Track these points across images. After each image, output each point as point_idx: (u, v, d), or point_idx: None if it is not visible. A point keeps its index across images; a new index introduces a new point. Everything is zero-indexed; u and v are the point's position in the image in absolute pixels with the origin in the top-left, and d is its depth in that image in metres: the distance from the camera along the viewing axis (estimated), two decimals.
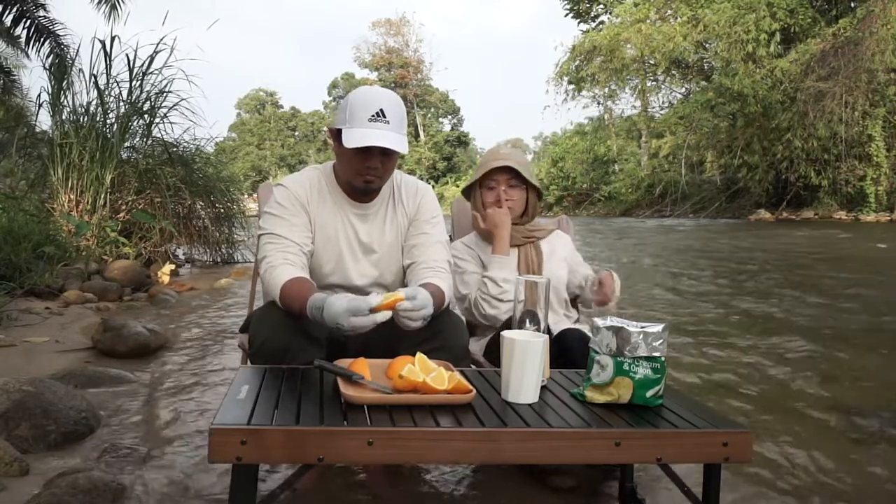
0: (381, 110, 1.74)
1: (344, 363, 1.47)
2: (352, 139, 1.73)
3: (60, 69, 7.18)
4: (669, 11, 25.18)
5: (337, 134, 1.80)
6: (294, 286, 1.68)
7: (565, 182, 33.17)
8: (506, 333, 1.40)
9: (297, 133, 56.61)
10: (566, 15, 32.72)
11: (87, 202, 6.61)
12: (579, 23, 32.53)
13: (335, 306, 1.50)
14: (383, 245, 1.94)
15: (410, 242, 1.94)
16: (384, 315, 1.48)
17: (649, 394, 1.36)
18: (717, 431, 1.27)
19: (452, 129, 51.69)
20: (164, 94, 7.48)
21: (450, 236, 2.47)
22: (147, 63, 7.30)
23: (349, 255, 1.92)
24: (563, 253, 2.29)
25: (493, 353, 1.83)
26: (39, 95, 7.25)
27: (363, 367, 1.45)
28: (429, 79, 51.34)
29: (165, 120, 7.64)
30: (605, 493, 1.88)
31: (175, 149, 7.75)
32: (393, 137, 1.75)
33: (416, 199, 1.96)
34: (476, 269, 2.22)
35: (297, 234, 1.83)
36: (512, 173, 2.19)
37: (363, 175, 1.81)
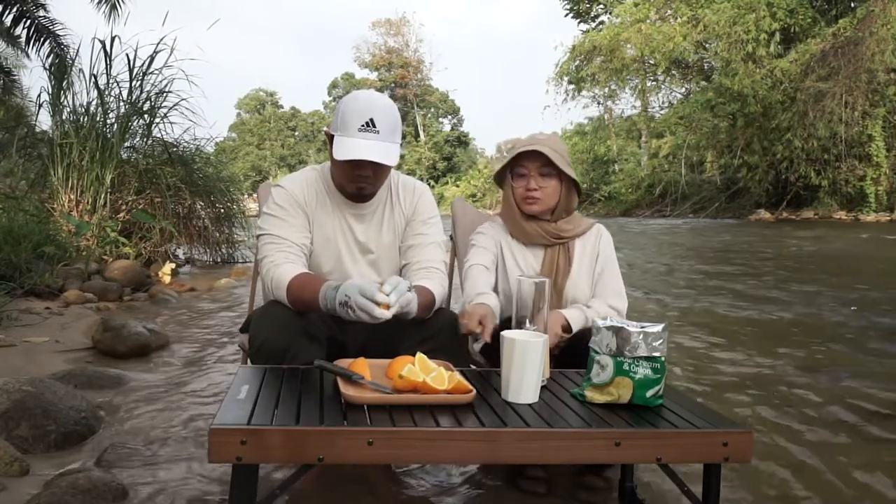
0: (371, 120, 1.73)
1: (344, 363, 1.47)
2: (340, 151, 1.73)
3: (60, 69, 7.17)
4: (669, 11, 25.16)
5: (332, 139, 1.80)
6: (304, 278, 1.70)
7: None
8: (506, 333, 1.40)
9: (297, 133, 56.60)
10: (566, 15, 32.74)
11: (87, 202, 6.61)
12: (579, 23, 32.54)
13: (352, 281, 1.55)
14: (380, 245, 1.94)
15: (407, 243, 1.94)
16: (381, 311, 1.49)
17: (649, 394, 1.36)
18: (717, 431, 1.27)
19: (452, 129, 51.67)
20: (164, 94, 7.49)
21: (450, 236, 2.47)
22: (147, 63, 7.30)
23: (347, 255, 1.92)
24: (592, 261, 2.07)
25: (491, 353, 1.81)
26: (39, 95, 7.27)
27: (363, 367, 1.45)
28: (429, 79, 51.35)
29: (165, 120, 7.65)
30: (605, 493, 1.87)
31: (175, 149, 7.75)
32: (381, 149, 1.74)
33: (414, 200, 1.96)
34: (493, 249, 2.06)
35: (297, 234, 1.84)
36: (544, 160, 1.96)
37: (355, 182, 1.82)
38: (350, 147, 1.73)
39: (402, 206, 1.96)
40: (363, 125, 1.73)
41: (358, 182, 1.81)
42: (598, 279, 2.04)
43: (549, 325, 1.67)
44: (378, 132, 1.74)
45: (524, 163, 1.99)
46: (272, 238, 1.82)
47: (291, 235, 1.83)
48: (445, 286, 1.92)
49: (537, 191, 1.98)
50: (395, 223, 1.95)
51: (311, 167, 1.98)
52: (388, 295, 1.50)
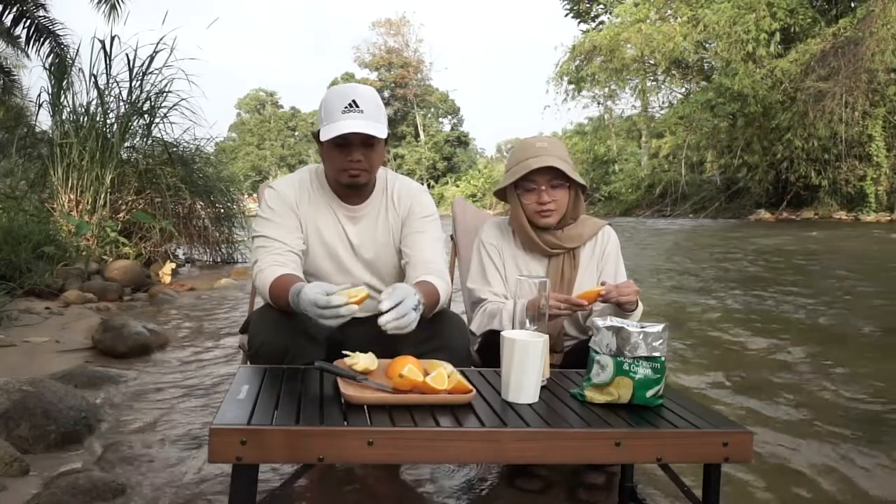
0: (354, 101, 1.75)
1: (343, 364, 1.46)
2: (328, 132, 1.74)
3: (60, 69, 7.18)
4: (669, 11, 25.12)
5: (318, 136, 1.80)
6: (279, 283, 1.69)
7: None
8: (506, 333, 1.40)
9: (297, 133, 56.60)
10: (566, 15, 32.68)
11: (87, 202, 6.61)
12: (579, 23, 32.49)
13: (306, 296, 1.48)
14: (376, 247, 1.93)
15: (405, 241, 1.93)
16: (349, 309, 1.44)
17: (649, 394, 1.36)
18: (718, 431, 1.27)
19: (452, 129, 51.65)
20: (164, 94, 7.51)
21: (451, 236, 2.47)
22: (147, 63, 7.32)
23: (346, 256, 1.91)
24: (599, 266, 2.03)
25: (487, 353, 1.80)
26: (39, 95, 7.30)
27: (370, 359, 1.44)
28: (429, 79, 51.32)
29: (165, 120, 7.67)
30: (604, 492, 1.88)
31: (175, 149, 7.76)
32: (368, 124, 1.74)
33: (409, 200, 1.95)
34: (500, 269, 2.02)
35: (287, 235, 1.83)
36: (554, 172, 1.91)
37: (347, 170, 1.81)
38: (336, 127, 1.73)
39: (396, 207, 1.94)
40: (347, 107, 1.75)
41: (350, 169, 1.80)
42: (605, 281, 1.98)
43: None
44: (362, 111, 1.75)
45: (534, 177, 1.92)
46: (263, 241, 1.82)
47: (282, 237, 1.82)
48: (449, 285, 1.91)
49: (551, 203, 1.93)
50: (391, 224, 1.94)
51: (305, 168, 1.97)
52: (385, 311, 1.44)
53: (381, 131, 1.77)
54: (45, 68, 7.52)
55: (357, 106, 1.74)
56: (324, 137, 1.74)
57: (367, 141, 1.78)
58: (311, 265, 1.90)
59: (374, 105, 1.78)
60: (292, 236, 1.84)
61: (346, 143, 1.76)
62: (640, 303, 1.86)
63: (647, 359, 1.35)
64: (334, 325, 1.48)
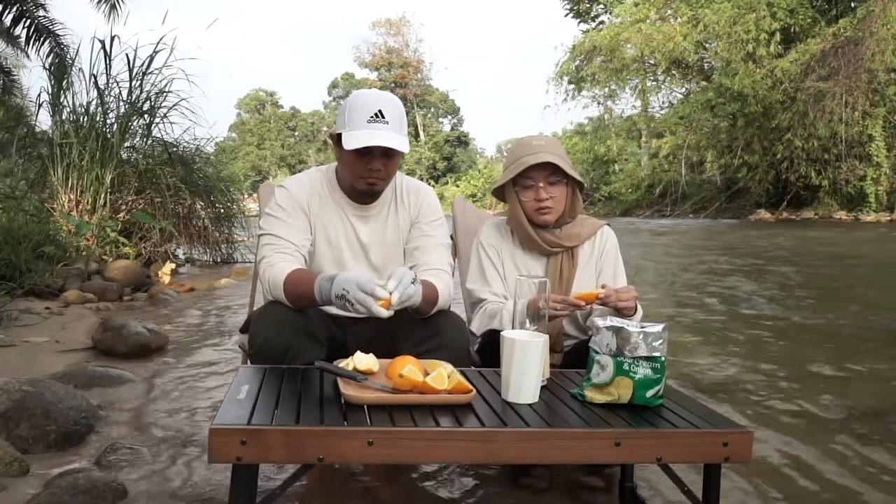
0: (380, 111, 1.74)
1: (343, 363, 1.47)
2: (352, 141, 1.73)
3: (60, 69, 7.18)
4: (669, 11, 25.12)
5: (338, 138, 1.80)
6: (298, 273, 1.70)
7: None
8: (506, 333, 1.40)
9: (297, 133, 56.59)
10: (566, 15, 32.67)
11: (87, 202, 6.61)
12: (579, 23, 32.47)
13: (349, 274, 1.55)
14: (385, 247, 1.94)
15: (412, 245, 1.93)
16: (379, 309, 1.49)
17: (649, 394, 1.36)
18: (718, 431, 1.27)
19: (452, 129, 51.66)
20: (164, 94, 7.50)
21: (451, 236, 2.47)
22: (147, 63, 7.31)
23: (350, 256, 1.91)
24: (598, 265, 2.04)
25: (487, 353, 1.81)
26: (39, 95, 7.28)
27: (370, 359, 1.45)
28: (429, 79, 51.32)
29: (165, 120, 7.66)
30: (604, 492, 1.87)
31: (175, 149, 7.75)
32: (393, 137, 1.75)
33: (419, 201, 1.96)
34: (499, 269, 2.05)
35: (296, 235, 1.83)
36: (551, 168, 1.93)
37: (365, 178, 1.81)
38: (361, 136, 1.73)
39: (406, 207, 1.95)
40: (372, 116, 1.74)
41: (369, 177, 1.80)
42: (605, 282, 1.98)
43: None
44: (387, 122, 1.75)
45: (531, 174, 1.94)
46: (271, 238, 1.82)
47: (291, 236, 1.82)
48: (451, 288, 1.91)
49: (549, 200, 1.94)
50: (400, 225, 1.94)
51: (315, 168, 1.98)
52: (390, 293, 1.49)
53: (404, 145, 1.77)
54: (45, 68, 7.52)
55: (383, 116, 1.74)
56: (347, 146, 1.73)
57: (388, 151, 1.78)
58: (315, 267, 1.89)
59: (399, 116, 1.78)
60: (301, 237, 1.84)
61: (368, 152, 1.76)
62: (639, 308, 1.86)
63: (647, 359, 1.35)
64: (360, 312, 1.50)
